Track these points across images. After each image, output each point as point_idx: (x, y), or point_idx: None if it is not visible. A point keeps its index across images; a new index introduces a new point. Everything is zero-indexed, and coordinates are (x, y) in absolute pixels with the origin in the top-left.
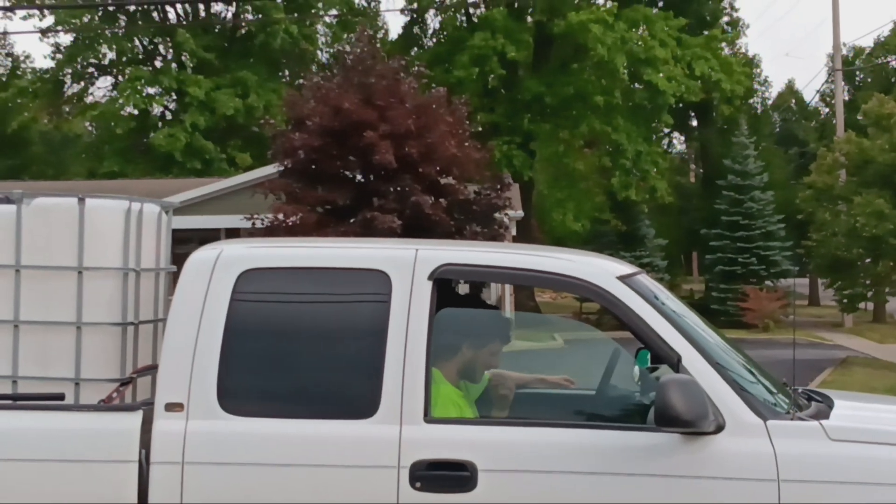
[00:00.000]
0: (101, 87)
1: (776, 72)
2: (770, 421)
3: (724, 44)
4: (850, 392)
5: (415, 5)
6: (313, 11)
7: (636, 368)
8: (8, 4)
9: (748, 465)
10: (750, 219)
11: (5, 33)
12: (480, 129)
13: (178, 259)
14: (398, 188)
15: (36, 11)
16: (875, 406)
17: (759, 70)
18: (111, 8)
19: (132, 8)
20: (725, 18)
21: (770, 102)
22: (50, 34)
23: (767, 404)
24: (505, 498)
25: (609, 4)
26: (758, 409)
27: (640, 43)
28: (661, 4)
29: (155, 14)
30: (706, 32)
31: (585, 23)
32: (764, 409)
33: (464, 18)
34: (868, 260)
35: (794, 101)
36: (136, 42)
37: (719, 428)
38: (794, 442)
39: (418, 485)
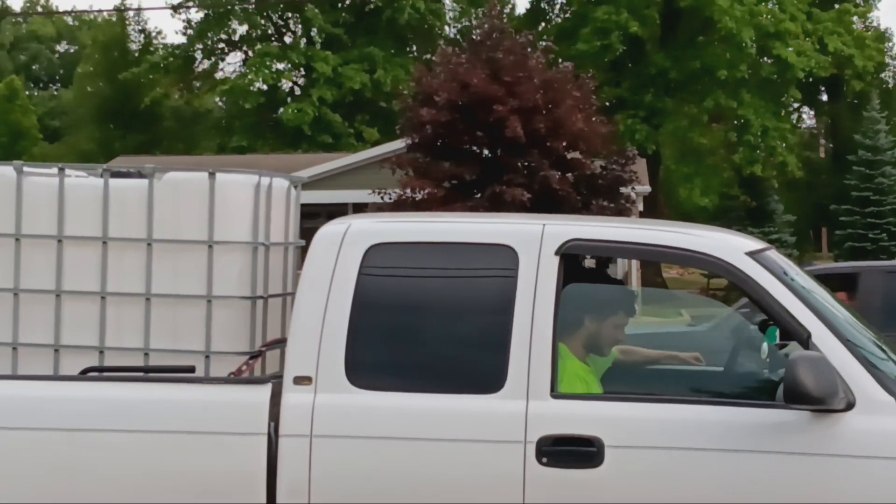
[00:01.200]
0: (231, 63)
1: None
2: None
3: (855, 17)
4: None
5: None
6: None
7: (765, 345)
8: None
9: (879, 443)
10: (881, 194)
11: (139, 9)
12: (607, 104)
13: (307, 233)
14: (526, 163)
15: None
16: None
17: (890, 44)
18: None
19: None
20: None
21: None
22: (181, 10)
23: None
24: (632, 474)
25: None
26: (889, 386)
27: (769, 17)
28: None
29: None
30: (837, 6)
31: None
32: (895, 386)
33: None
34: None
35: None
36: (266, 18)
37: (849, 405)
38: None
39: (545, 460)
